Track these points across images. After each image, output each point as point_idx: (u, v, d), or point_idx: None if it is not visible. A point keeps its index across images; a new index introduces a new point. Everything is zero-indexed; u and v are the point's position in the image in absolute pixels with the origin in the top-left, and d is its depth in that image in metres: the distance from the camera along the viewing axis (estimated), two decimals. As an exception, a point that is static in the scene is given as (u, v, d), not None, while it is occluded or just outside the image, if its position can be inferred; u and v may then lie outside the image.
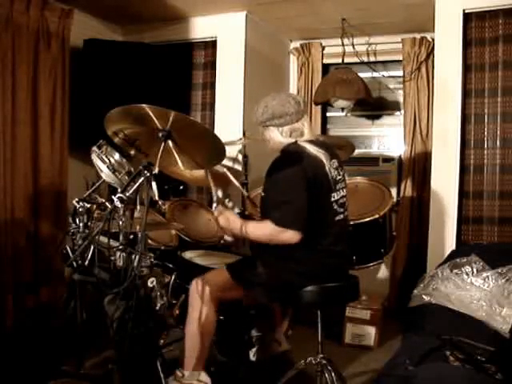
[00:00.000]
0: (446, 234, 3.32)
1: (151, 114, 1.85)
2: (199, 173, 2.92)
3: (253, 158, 3.72)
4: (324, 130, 4.58)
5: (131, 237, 2.05)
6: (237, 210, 3.11)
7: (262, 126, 2.15)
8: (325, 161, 2.06)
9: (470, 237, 3.33)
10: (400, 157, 4.17)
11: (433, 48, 3.66)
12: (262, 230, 2.08)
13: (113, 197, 1.89)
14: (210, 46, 4.10)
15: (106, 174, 2.18)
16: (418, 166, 3.94)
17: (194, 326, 2.13)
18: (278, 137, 2.12)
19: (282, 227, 1.98)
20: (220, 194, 2.30)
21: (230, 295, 2.20)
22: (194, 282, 2.18)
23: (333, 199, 2.09)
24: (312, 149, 2.07)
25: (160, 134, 1.93)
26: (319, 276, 2.08)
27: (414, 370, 2.16)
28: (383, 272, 4.13)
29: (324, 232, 2.08)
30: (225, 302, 2.22)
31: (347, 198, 2.20)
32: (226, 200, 2.32)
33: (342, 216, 2.14)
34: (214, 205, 2.26)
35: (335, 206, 2.10)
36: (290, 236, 1.98)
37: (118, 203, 1.86)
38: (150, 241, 2.70)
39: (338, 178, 2.13)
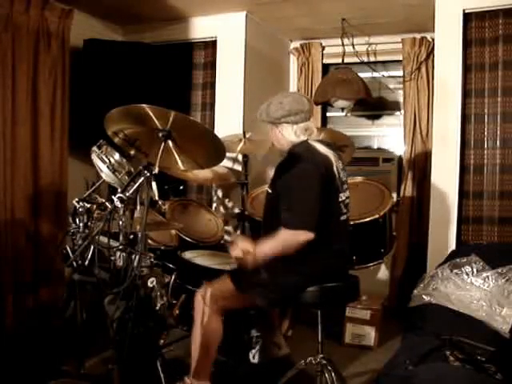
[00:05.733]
0: (446, 233, 3.32)
1: (151, 113, 1.86)
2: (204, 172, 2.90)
3: (253, 158, 3.72)
4: (324, 130, 4.59)
5: (131, 237, 2.05)
6: (237, 210, 3.12)
7: (273, 124, 2.10)
8: (333, 161, 2.05)
9: (470, 237, 3.33)
10: (400, 157, 4.18)
11: (433, 48, 3.66)
12: (276, 239, 1.97)
13: (113, 197, 1.89)
14: (210, 45, 4.11)
15: (106, 173, 2.17)
16: (418, 166, 3.94)
17: (199, 337, 2.13)
18: (291, 135, 2.08)
19: (294, 229, 1.93)
20: (220, 193, 2.30)
21: (234, 304, 2.19)
22: (199, 293, 2.18)
23: (340, 199, 2.09)
24: (322, 148, 2.06)
25: (160, 134, 1.93)
26: (320, 277, 2.08)
27: (414, 370, 2.16)
28: (383, 272, 4.13)
29: (329, 232, 2.07)
30: (230, 310, 2.21)
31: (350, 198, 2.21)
32: (226, 200, 2.32)
33: (345, 216, 2.14)
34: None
35: (341, 206, 2.11)
36: (303, 237, 1.92)
37: (118, 203, 1.86)
38: (150, 241, 2.70)
39: (344, 179, 2.14)
